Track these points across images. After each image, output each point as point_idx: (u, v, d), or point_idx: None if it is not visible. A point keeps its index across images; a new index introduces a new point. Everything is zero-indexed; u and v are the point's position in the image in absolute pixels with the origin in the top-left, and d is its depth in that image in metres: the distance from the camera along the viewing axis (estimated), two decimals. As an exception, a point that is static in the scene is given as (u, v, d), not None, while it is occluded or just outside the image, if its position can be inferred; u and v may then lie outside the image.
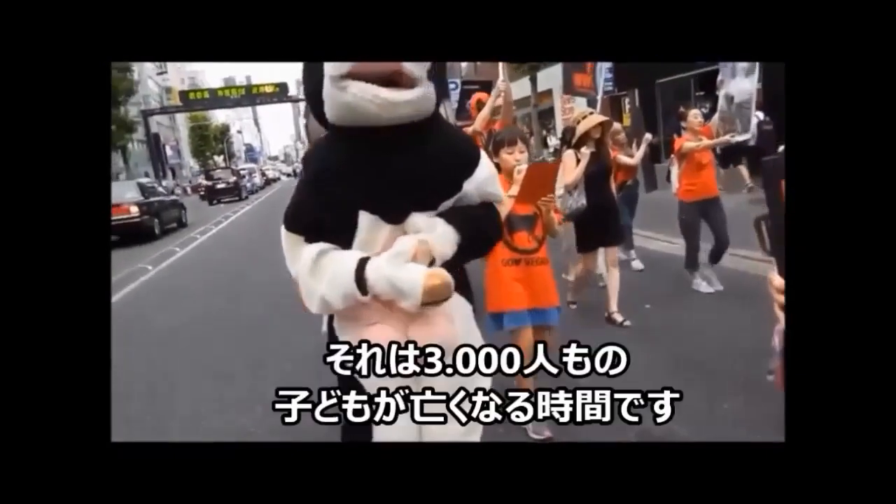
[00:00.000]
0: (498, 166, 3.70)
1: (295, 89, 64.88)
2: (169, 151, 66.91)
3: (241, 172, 46.12)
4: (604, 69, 11.06)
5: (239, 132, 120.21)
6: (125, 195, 19.21)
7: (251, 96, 61.09)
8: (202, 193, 39.20)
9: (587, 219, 5.82)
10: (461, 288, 2.34)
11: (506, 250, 3.82)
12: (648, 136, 8.11)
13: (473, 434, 2.14)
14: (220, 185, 38.69)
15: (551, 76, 22.85)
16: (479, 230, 2.30)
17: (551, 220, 3.85)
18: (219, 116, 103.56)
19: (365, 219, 2.19)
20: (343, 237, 2.24)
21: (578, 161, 5.70)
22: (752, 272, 6.83)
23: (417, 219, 2.19)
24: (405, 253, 2.14)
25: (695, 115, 7.20)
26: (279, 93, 59.17)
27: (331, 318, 2.39)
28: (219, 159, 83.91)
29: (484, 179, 2.31)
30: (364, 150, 2.18)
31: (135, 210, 18.96)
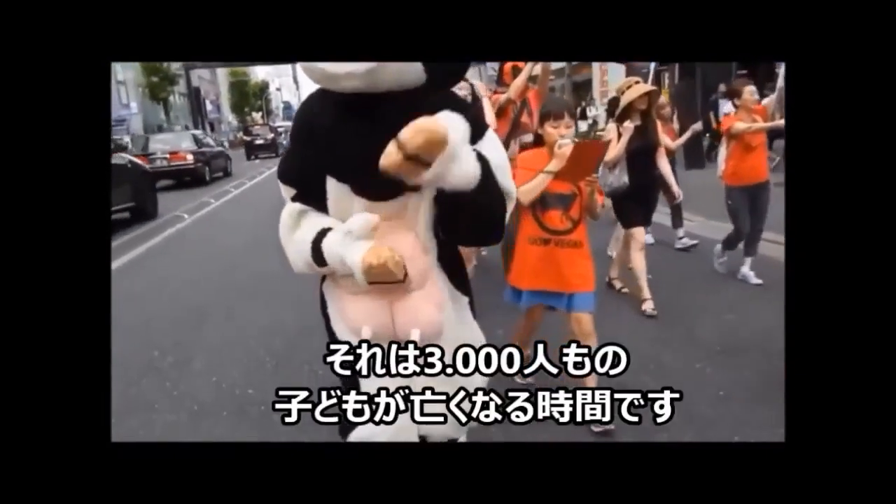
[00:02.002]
0: (540, 138, 3.57)
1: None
2: (209, 106, 66.82)
3: (279, 130, 46.67)
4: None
5: (278, 89, 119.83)
6: (182, 144, 22.13)
7: (292, 55, 60.77)
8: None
9: (625, 197, 5.33)
10: (457, 279, 2.23)
11: (535, 228, 3.57)
12: (698, 126, 7.83)
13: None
14: (259, 142, 39.46)
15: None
16: (498, 192, 2.03)
17: (594, 201, 3.57)
18: (258, 73, 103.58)
19: (333, 186, 2.04)
20: (320, 200, 2.09)
21: (620, 135, 5.21)
22: (767, 254, 6.64)
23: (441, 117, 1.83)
24: (354, 233, 1.96)
25: (751, 93, 6.40)
26: (322, 53, 58.87)
27: (322, 277, 2.27)
28: (257, 115, 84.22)
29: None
30: (344, 113, 1.98)
31: (190, 158, 21.29)
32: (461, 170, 1.87)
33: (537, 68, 5.89)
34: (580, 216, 3.60)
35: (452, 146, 1.80)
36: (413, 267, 2.02)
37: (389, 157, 1.74)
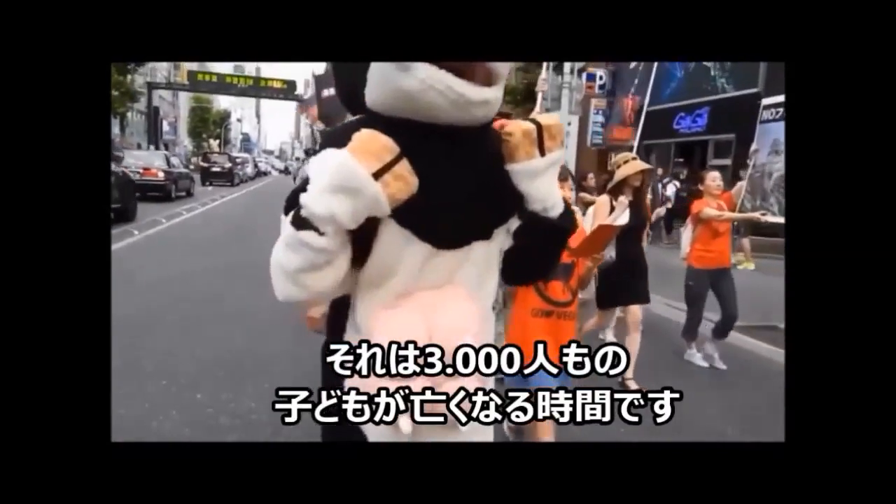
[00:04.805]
0: None
1: (303, 89, 65.78)
2: (166, 127, 67.66)
3: (237, 160, 47.92)
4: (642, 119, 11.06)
5: (239, 120, 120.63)
6: (155, 162, 25.30)
7: (258, 88, 61.81)
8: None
9: (613, 274, 5.21)
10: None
11: (537, 300, 3.51)
12: (661, 210, 7.95)
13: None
14: (216, 169, 41.90)
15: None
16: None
17: (590, 273, 3.63)
18: (222, 102, 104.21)
19: (390, 228, 1.70)
20: (358, 241, 1.70)
21: (613, 209, 5.02)
22: (744, 347, 6.89)
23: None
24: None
25: (713, 179, 6.68)
26: (286, 90, 59.76)
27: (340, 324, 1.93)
28: (214, 143, 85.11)
29: None
30: (408, 146, 1.64)
31: (161, 175, 24.47)
32: (556, 185, 1.88)
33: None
34: (577, 287, 3.60)
35: (563, 152, 1.83)
36: (467, 340, 1.73)
37: (522, 124, 1.75)
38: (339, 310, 1.94)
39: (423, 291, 1.76)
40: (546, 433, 3.44)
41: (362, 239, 1.71)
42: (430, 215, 1.70)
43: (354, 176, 1.53)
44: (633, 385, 5.57)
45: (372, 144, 1.57)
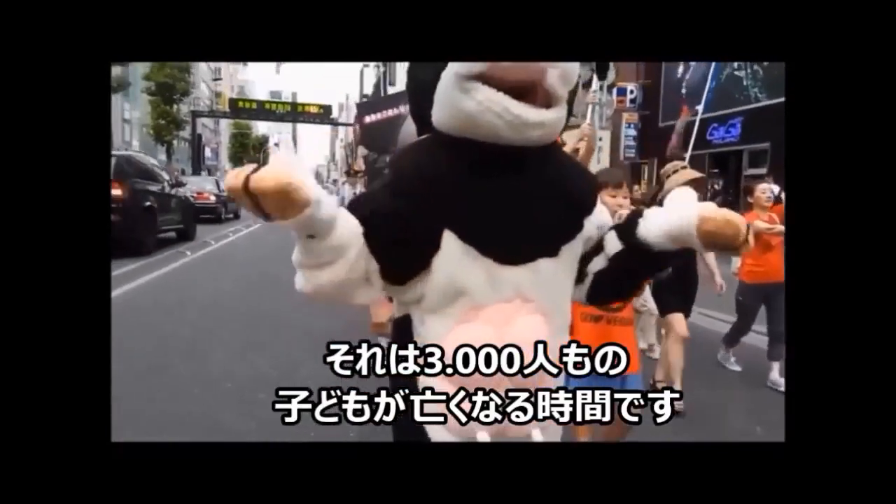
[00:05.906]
0: None
1: (337, 112, 66.62)
2: (208, 153, 69.71)
3: None
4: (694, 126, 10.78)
5: (276, 144, 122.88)
6: (206, 186, 27.98)
7: (295, 113, 62.53)
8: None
9: (666, 283, 5.06)
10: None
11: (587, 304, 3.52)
12: None
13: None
14: None
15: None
16: None
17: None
18: (260, 127, 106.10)
19: (451, 242, 1.75)
20: (415, 254, 1.76)
21: None
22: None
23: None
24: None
25: (762, 191, 6.49)
26: (322, 114, 60.39)
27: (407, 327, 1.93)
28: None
29: (603, 217, 1.99)
30: (472, 165, 1.76)
31: (213, 199, 27.04)
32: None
33: (581, 144, 5.54)
34: None
35: None
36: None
37: (736, 219, 1.87)
38: (404, 324, 1.95)
39: (493, 305, 1.80)
40: (582, 433, 3.46)
41: (420, 252, 1.76)
42: (492, 231, 1.77)
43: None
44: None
45: (236, 187, 1.42)
